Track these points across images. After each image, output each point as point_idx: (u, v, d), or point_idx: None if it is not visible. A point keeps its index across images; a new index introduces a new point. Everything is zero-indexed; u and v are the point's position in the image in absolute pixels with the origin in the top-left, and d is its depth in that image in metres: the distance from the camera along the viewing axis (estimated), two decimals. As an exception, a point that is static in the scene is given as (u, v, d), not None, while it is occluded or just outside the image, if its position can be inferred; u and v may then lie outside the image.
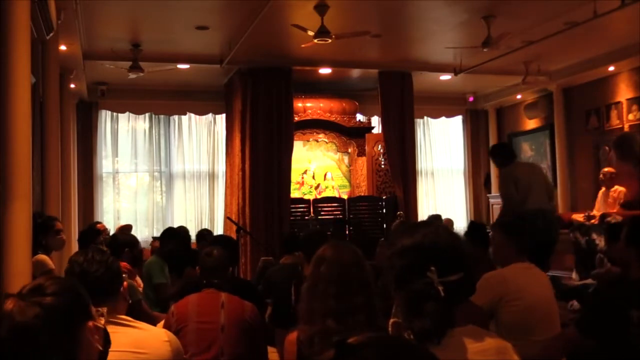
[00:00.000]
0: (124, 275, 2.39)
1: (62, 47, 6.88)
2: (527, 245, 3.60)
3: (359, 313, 2.20)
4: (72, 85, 8.63)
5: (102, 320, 1.52)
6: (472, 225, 4.96)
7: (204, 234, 6.82)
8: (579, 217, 8.64)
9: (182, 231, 6.97)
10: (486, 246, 4.09)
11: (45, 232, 4.65)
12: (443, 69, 9.74)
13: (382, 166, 10.23)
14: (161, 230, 6.54)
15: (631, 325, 2.41)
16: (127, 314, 2.27)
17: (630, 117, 9.25)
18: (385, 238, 5.82)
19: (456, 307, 1.60)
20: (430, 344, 1.54)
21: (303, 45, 7.44)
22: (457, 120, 12.39)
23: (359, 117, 10.87)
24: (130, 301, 2.75)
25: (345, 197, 10.19)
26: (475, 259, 4.13)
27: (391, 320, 1.63)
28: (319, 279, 2.29)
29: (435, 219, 9.01)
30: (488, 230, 5.16)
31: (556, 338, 2.97)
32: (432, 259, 1.56)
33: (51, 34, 5.81)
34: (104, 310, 1.62)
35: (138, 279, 5.40)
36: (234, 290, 3.33)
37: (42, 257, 4.46)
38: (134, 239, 5.15)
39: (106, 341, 1.48)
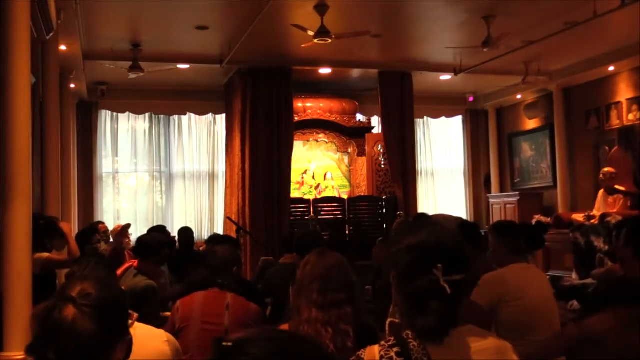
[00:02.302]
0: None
1: (62, 47, 6.88)
2: (521, 245, 3.62)
3: (346, 306, 2.42)
4: (72, 85, 8.63)
5: (133, 325, 1.53)
6: (464, 225, 4.95)
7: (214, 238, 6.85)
8: (579, 217, 8.64)
9: (186, 232, 7.00)
10: (478, 247, 4.11)
11: (50, 235, 4.66)
12: (443, 69, 9.74)
13: (382, 166, 10.23)
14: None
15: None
16: (146, 313, 2.29)
17: (630, 117, 9.25)
18: (383, 238, 5.80)
19: (458, 307, 1.60)
20: (433, 342, 1.54)
21: (303, 45, 7.44)
22: (457, 120, 12.39)
23: (359, 117, 10.87)
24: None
25: (345, 197, 10.19)
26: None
27: (388, 321, 1.63)
28: (304, 276, 2.53)
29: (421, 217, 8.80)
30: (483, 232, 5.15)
31: (555, 337, 2.98)
32: (438, 257, 1.56)
33: (51, 34, 5.81)
34: (135, 316, 1.62)
35: None
36: (237, 291, 3.33)
37: (45, 255, 4.47)
38: (162, 239, 4.90)
39: (128, 350, 1.49)
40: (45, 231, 4.58)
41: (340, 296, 2.42)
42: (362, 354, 1.59)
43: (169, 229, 7.42)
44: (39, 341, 1.36)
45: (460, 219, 6.95)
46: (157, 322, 3.63)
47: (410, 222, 7.86)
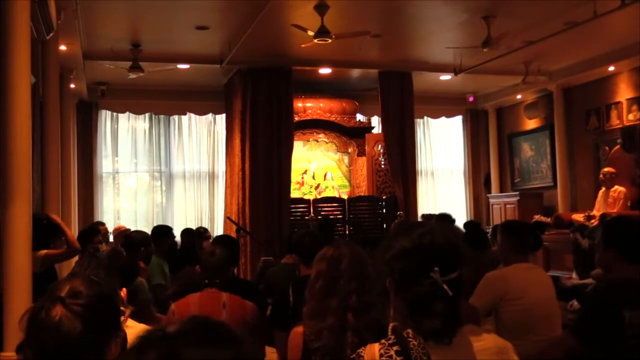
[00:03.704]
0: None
1: (62, 47, 6.88)
2: (526, 245, 3.61)
3: (373, 310, 2.25)
4: (72, 85, 8.62)
5: (126, 320, 1.53)
6: (469, 225, 4.97)
7: (201, 232, 6.91)
8: (579, 217, 8.64)
9: (188, 234, 7.03)
10: (484, 246, 4.10)
11: (53, 234, 4.67)
12: (443, 69, 9.73)
13: (382, 166, 10.23)
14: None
15: (625, 327, 2.43)
16: (134, 313, 2.27)
17: (630, 117, 9.25)
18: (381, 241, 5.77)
19: (460, 305, 1.60)
20: (441, 344, 1.54)
21: (303, 45, 7.43)
22: (457, 120, 12.39)
23: (359, 117, 10.87)
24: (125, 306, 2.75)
25: (345, 197, 10.18)
26: (474, 260, 4.13)
27: (391, 325, 1.62)
28: (340, 274, 2.32)
29: (429, 218, 8.84)
30: (487, 230, 5.17)
31: (555, 345, 2.97)
32: (433, 259, 1.55)
33: (51, 34, 5.81)
34: (127, 311, 1.62)
35: None
36: (235, 290, 3.33)
37: (43, 252, 4.48)
38: (148, 236, 5.10)
39: (124, 346, 1.49)
40: (49, 230, 4.59)
41: (372, 298, 2.24)
42: (362, 352, 1.58)
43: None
44: (26, 341, 1.36)
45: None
46: (151, 319, 3.63)
47: (404, 223, 7.86)
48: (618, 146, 9.23)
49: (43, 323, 1.35)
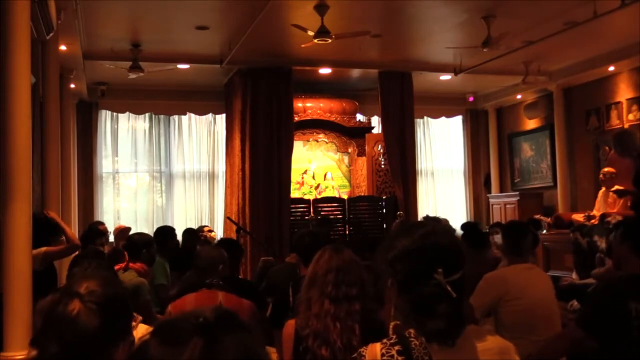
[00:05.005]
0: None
1: (62, 47, 6.87)
2: (522, 246, 3.62)
3: (355, 302, 2.46)
4: (72, 85, 8.62)
5: (136, 327, 1.53)
6: (467, 226, 4.99)
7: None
8: (579, 217, 8.63)
9: (189, 234, 7.01)
10: (482, 246, 4.11)
11: (53, 233, 4.68)
12: (443, 69, 9.73)
13: (382, 166, 10.23)
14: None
15: (631, 318, 2.43)
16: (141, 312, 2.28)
17: (630, 117, 9.25)
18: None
19: (463, 305, 1.59)
20: (445, 345, 1.53)
21: (303, 45, 7.44)
22: (457, 120, 12.39)
23: (359, 117, 10.87)
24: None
25: (345, 197, 10.18)
26: (472, 260, 4.13)
27: (392, 324, 1.62)
28: (319, 268, 2.56)
29: (431, 220, 8.86)
30: (486, 230, 5.18)
31: (558, 338, 2.97)
32: (437, 259, 1.55)
33: (51, 34, 5.80)
34: (139, 318, 1.62)
35: None
36: (234, 290, 3.34)
37: (43, 249, 4.48)
38: (151, 238, 5.12)
39: (130, 351, 1.49)
40: (49, 229, 4.60)
41: (352, 291, 2.47)
42: (363, 352, 1.58)
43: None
44: (42, 334, 1.37)
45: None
46: (151, 320, 3.64)
47: (406, 222, 7.87)
48: (613, 150, 9.23)
49: (61, 316, 1.36)
